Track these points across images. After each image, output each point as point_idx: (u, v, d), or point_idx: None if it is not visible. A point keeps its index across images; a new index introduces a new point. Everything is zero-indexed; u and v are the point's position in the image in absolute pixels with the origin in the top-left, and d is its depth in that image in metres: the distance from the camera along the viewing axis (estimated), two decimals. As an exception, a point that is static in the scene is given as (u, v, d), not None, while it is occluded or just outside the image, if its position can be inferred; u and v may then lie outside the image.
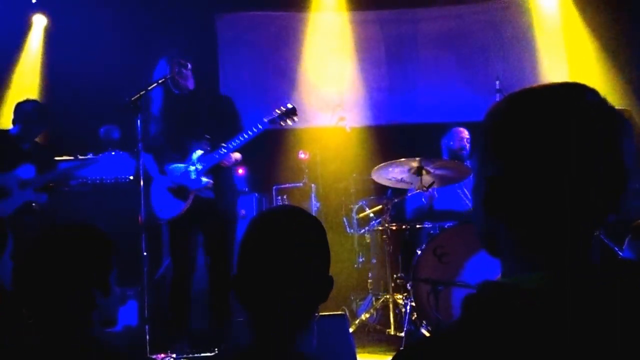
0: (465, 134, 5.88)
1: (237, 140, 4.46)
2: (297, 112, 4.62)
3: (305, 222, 1.54)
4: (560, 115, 0.99)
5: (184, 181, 4.53)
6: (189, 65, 4.56)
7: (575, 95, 1.01)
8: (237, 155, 4.60)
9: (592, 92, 1.02)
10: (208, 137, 4.56)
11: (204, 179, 4.51)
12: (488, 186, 1.02)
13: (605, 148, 0.97)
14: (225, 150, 4.47)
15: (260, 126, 4.47)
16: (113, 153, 5.31)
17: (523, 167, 0.99)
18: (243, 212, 5.95)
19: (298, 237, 1.50)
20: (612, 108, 1.01)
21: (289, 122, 4.60)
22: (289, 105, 4.61)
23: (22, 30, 7.61)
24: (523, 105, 1.03)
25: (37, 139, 5.42)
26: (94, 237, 1.88)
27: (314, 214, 6.13)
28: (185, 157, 4.56)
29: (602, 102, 1.01)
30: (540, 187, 0.98)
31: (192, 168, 4.52)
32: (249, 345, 1.49)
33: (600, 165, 0.97)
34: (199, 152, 4.53)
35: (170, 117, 4.63)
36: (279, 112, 4.58)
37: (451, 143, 5.85)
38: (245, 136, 4.45)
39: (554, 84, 1.04)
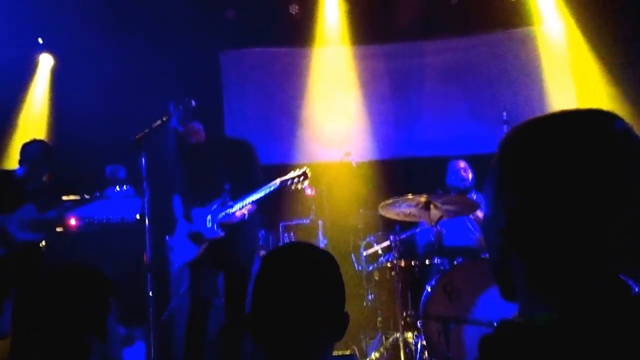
0: (461, 164, 5.87)
1: (246, 199, 4.56)
2: (308, 176, 4.72)
3: (319, 259, 1.53)
4: (589, 146, 0.94)
5: (201, 228, 4.65)
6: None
7: (603, 123, 0.97)
8: (244, 211, 4.63)
9: (620, 121, 0.98)
10: (227, 187, 4.66)
11: (218, 229, 4.61)
12: (509, 218, 0.98)
13: (634, 181, 0.93)
14: (232, 210, 4.58)
15: (272, 187, 4.57)
16: (117, 189, 5.29)
17: (547, 199, 0.94)
18: (263, 252, 5.91)
19: (312, 274, 1.48)
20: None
21: (299, 186, 4.70)
22: (303, 170, 4.72)
23: (29, 69, 7.67)
24: (547, 134, 0.98)
25: (44, 179, 5.41)
26: (89, 283, 1.85)
27: (322, 251, 6.15)
28: (206, 205, 4.67)
29: (630, 131, 0.97)
30: (564, 221, 0.93)
31: (209, 217, 4.63)
32: None
33: (628, 199, 0.92)
34: (218, 202, 4.64)
35: (191, 164, 4.77)
36: (292, 175, 4.69)
37: (452, 178, 5.83)
38: (256, 197, 4.56)
39: (579, 111, 1.00)
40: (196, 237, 4.64)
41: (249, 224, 4.72)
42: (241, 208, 4.57)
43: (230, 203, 4.59)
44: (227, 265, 4.70)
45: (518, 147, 1.00)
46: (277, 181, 4.59)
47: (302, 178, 4.66)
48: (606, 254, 0.93)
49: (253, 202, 4.58)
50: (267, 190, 4.54)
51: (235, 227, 4.61)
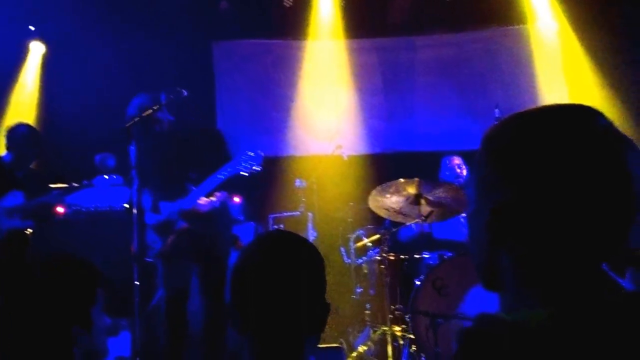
0: (456, 160, 5.86)
1: (202, 188, 4.43)
2: (261, 161, 4.41)
3: (300, 247, 1.51)
4: (575, 140, 0.94)
5: (168, 219, 4.54)
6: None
7: (587, 118, 0.97)
8: (212, 199, 4.48)
9: (601, 116, 0.98)
10: (193, 176, 4.53)
11: (180, 220, 4.51)
12: (495, 212, 0.97)
13: (618, 176, 0.93)
14: (198, 200, 4.43)
15: (221, 177, 4.38)
16: (106, 177, 5.25)
17: (534, 193, 0.94)
18: (240, 244, 5.87)
19: (293, 262, 1.46)
20: (621, 133, 0.97)
21: (254, 168, 4.40)
22: (252, 153, 4.44)
23: (19, 57, 7.60)
24: (534, 128, 0.98)
25: (32, 166, 5.34)
26: (76, 272, 1.82)
27: (310, 243, 6.14)
28: (174, 196, 4.55)
29: (612, 126, 0.97)
30: (554, 216, 0.92)
31: (172, 207, 4.53)
32: None
33: (612, 194, 0.92)
34: (182, 192, 4.52)
35: (160, 154, 4.62)
36: (237, 160, 4.43)
37: (447, 173, 5.81)
38: (209, 186, 4.41)
39: (563, 105, 1.00)
40: (160, 229, 4.56)
41: (222, 214, 4.63)
42: (205, 196, 4.45)
43: (193, 191, 4.48)
44: (203, 258, 4.61)
45: (508, 142, 0.99)
46: (223, 171, 4.38)
47: (250, 162, 4.37)
48: (595, 250, 0.93)
49: (223, 191, 4.48)
50: (217, 181, 4.38)
51: (207, 218, 4.50)
